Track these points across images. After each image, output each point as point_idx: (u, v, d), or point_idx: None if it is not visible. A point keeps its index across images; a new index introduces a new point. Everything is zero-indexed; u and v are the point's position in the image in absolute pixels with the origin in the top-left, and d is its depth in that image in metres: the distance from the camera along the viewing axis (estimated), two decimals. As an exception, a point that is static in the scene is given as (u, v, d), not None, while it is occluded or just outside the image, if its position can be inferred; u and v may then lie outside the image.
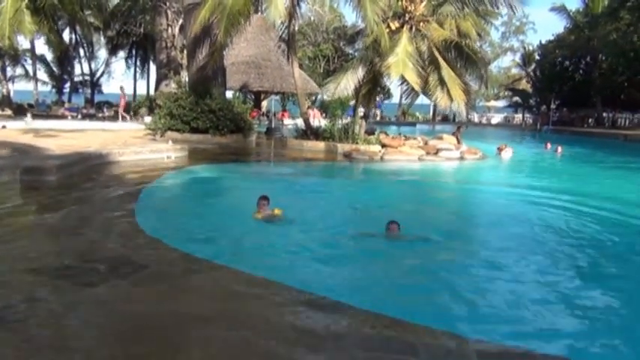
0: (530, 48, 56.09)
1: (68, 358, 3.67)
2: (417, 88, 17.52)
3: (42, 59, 41.52)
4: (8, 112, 30.44)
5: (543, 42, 50.72)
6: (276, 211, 7.83)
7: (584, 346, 4.30)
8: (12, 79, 40.87)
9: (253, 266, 5.78)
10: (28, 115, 24.44)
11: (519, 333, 4.42)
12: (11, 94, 38.95)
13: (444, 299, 5.23)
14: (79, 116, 30.75)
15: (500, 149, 20.74)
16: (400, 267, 6.21)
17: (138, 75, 44.88)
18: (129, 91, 45.10)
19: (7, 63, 38.70)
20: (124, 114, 29.08)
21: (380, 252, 6.73)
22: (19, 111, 30.32)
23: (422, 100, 28.32)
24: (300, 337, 4.14)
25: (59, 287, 4.93)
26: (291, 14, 19.73)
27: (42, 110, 34.93)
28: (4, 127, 21.09)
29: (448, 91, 17.51)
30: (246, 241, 7.03)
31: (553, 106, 47.44)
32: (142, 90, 44.57)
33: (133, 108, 33.26)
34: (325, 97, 21.98)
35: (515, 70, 63.02)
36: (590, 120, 46.44)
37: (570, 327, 4.66)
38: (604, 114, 46.35)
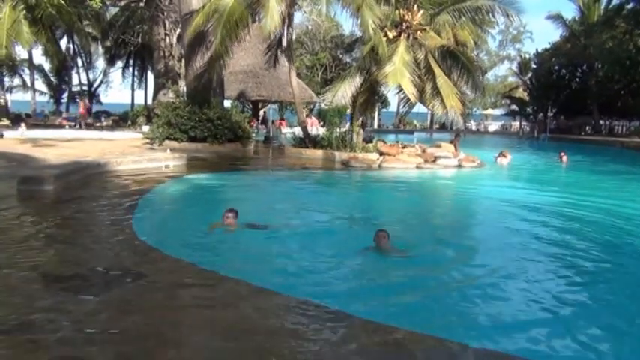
0: (527, 56, 56.44)
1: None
2: (412, 98, 17.54)
3: (40, 69, 41.57)
4: (6, 122, 30.45)
5: (540, 50, 51.07)
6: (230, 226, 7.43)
7: (583, 355, 4.28)
8: (10, 89, 40.92)
9: (251, 275, 5.75)
10: (22, 125, 24.42)
11: (519, 341, 4.41)
12: (9, 104, 38.97)
13: (443, 307, 5.23)
14: (77, 126, 30.81)
15: (503, 155, 20.86)
16: (397, 276, 6.17)
17: (136, 84, 45.01)
18: (127, 100, 45.36)
19: (4, 73, 38.74)
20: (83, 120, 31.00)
21: (376, 261, 6.68)
22: (17, 121, 30.32)
23: (419, 108, 28.41)
24: (299, 346, 4.12)
25: (57, 296, 4.91)
26: (287, 24, 19.83)
27: (39, 120, 34.98)
28: (1, 135, 21.06)
29: (443, 99, 17.56)
30: (243, 250, 7.00)
31: (550, 114, 47.66)
32: (139, 99, 44.70)
33: (130, 117, 33.39)
34: (323, 105, 22.01)
35: (512, 79, 63.27)
36: (587, 128, 46.62)
37: (568, 335, 4.61)
38: (601, 122, 46.52)
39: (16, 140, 19.80)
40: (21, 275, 5.47)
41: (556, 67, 48.00)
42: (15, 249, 6.37)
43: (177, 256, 6.34)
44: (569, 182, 17.17)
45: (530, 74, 53.03)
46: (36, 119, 35.35)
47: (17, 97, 43.11)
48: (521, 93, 56.98)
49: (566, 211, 10.82)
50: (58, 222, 7.93)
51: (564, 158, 21.51)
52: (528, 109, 54.29)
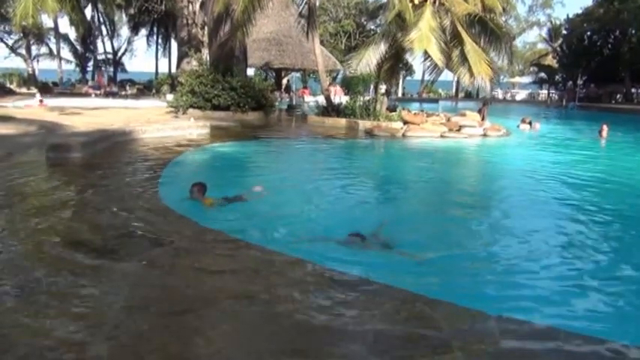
0: (558, 22, 54.70)
1: (95, 327, 3.77)
2: (440, 63, 17.24)
3: (65, 38, 41.91)
4: (34, 90, 30.93)
5: (571, 16, 49.41)
6: (207, 201, 7.18)
7: (603, 324, 4.26)
8: (37, 57, 41.39)
9: (276, 242, 5.82)
10: (37, 94, 24.80)
11: (542, 310, 4.38)
12: (36, 72, 39.48)
13: (466, 277, 5.23)
14: (102, 94, 31.18)
15: (525, 122, 20.68)
16: (418, 245, 6.16)
17: (160, 53, 45.10)
18: (151, 68, 45.60)
19: (31, 42, 39.15)
20: (102, 90, 31.88)
21: (394, 230, 6.65)
22: (44, 89, 30.78)
23: (445, 76, 27.92)
24: (324, 313, 4.16)
25: (86, 260, 5.04)
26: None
27: (66, 88, 35.42)
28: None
29: (471, 66, 17.21)
30: (267, 218, 7.01)
31: (580, 82, 46.32)
32: (164, 68, 44.85)
33: (154, 86, 33.61)
34: (347, 73, 21.79)
35: (541, 46, 61.55)
36: (618, 96, 45.27)
37: (590, 304, 4.59)
38: (633, 90, 45.12)
39: (43, 108, 20.12)
40: (51, 241, 5.61)
41: (588, 34, 46.45)
42: (45, 215, 6.53)
43: (203, 223, 6.42)
44: (598, 151, 16.75)
45: (560, 41, 51.44)
46: (62, 88, 35.80)
47: (44, 66, 43.67)
48: (550, 60, 55.39)
49: (591, 179, 10.63)
50: (86, 189, 8.09)
51: (603, 133, 18.77)
52: (557, 77, 52.87)
